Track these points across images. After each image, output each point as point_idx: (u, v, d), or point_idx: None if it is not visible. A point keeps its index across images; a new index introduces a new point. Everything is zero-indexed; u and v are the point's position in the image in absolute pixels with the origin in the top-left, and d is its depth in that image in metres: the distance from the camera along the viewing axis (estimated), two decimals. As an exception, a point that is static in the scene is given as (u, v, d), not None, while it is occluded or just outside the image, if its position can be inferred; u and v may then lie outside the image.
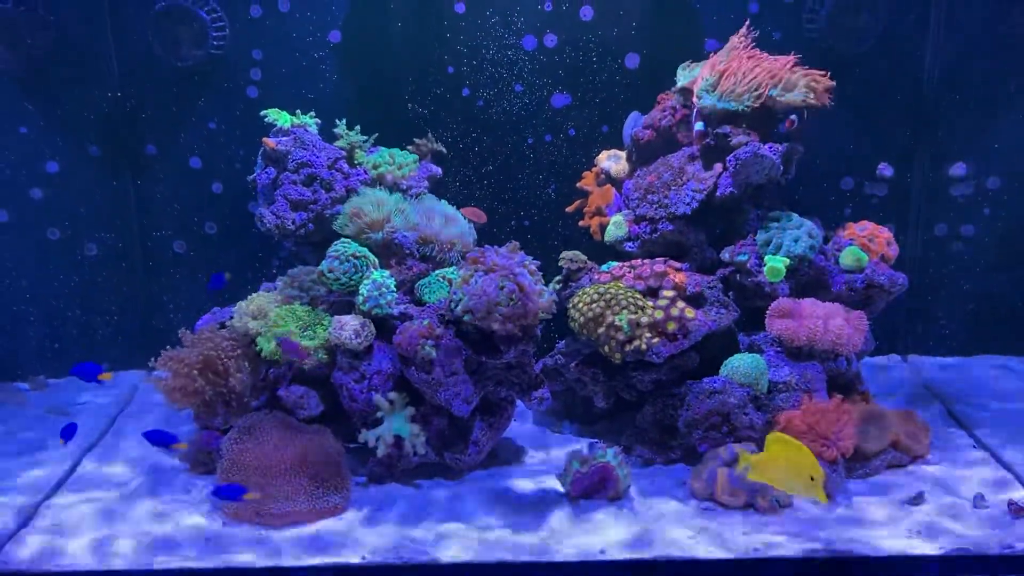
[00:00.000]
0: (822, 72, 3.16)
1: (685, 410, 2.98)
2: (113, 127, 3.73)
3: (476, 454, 3.03)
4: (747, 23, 3.27)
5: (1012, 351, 3.91)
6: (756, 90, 3.13)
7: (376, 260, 3.09)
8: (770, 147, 3.12)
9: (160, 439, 2.83)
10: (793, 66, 3.16)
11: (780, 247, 3.10)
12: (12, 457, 3.17)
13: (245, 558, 2.54)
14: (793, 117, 3.12)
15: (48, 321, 3.87)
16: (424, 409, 2.98)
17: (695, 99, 3.24)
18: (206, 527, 2.71)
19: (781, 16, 3.60)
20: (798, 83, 3.13)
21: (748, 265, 3.13)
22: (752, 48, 3.25)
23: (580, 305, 3.04)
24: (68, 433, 2.79)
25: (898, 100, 3.71)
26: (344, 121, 3.46)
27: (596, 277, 3.23)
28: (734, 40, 3.29)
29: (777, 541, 2.55)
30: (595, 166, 3.61)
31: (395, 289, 3.03)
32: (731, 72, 3.15)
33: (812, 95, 3.12)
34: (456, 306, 2.88)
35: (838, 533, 2.59)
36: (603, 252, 3.43)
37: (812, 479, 2.44)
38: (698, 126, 3.21)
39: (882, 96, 3.70)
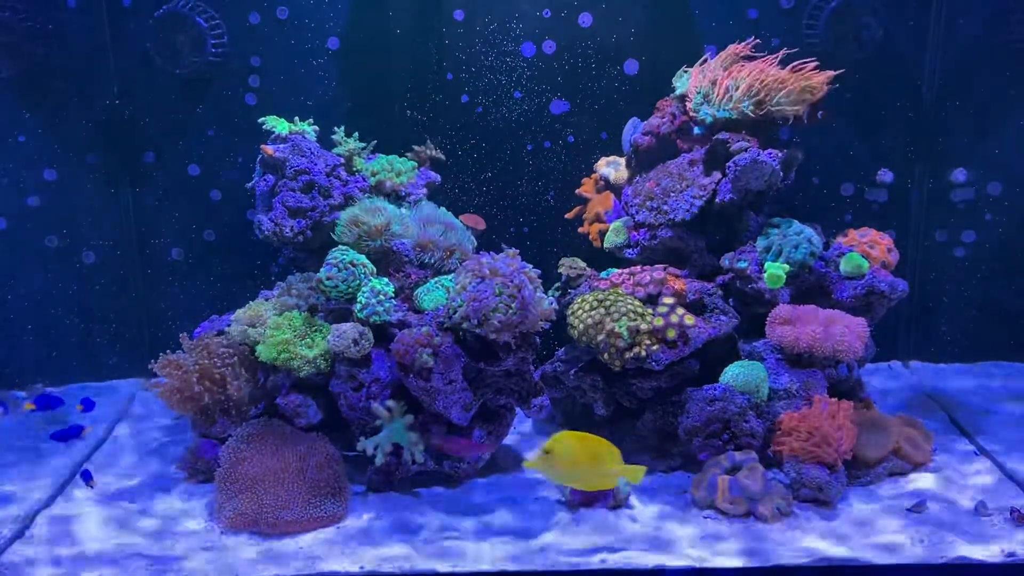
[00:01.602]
0: (814, 68, 3.15)
1: (685, 417, 2.96)
2: (111, 135, 3.73)
3: (475, 462, 3.01)
4: (753, 39, 3.26)
5: (1014, 357, 3.89)
6: (754, 97, 3.12)
7: (374, 268, 3.08)
8: (769, 153, 3.11)
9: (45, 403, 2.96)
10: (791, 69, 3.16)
11: (780, 253, 3.09)
12: (10, 466, 3.16)
13: (242, 568, 2.52)
14: (787, 117, 3.12)
15: (46, 329, 3.86)
16: (423, 417, 2.96)
17: (691, 112, 3.23)
18: (204, 536, 2.69)
19: (781, 22, 3.59)
20: (794, 89, 3.12)
21: (748, 272, 3.12)
22: (741, 59, 3.25)
23: (579, 312, 3.03)
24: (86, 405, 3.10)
25: (898, 106, 3.70)
26: (342, 128, 3.45)
27: (595, 284, 3.22)
28: (731, 49, 3.28)
29: (777, 549, 2.54)
30: (594, 172, 3.61)
31: (393, 296, 3.02)
32: (724, 83, 3.15)
33: (808, 96, 3.11)
34: (454, 313, 2.87)
35: (839, 541, 2.57)
36: (602, 259, 3.42)
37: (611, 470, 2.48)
38: (696, 129, 3.21)
39: (882, 102, 3.70)
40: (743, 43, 3.26)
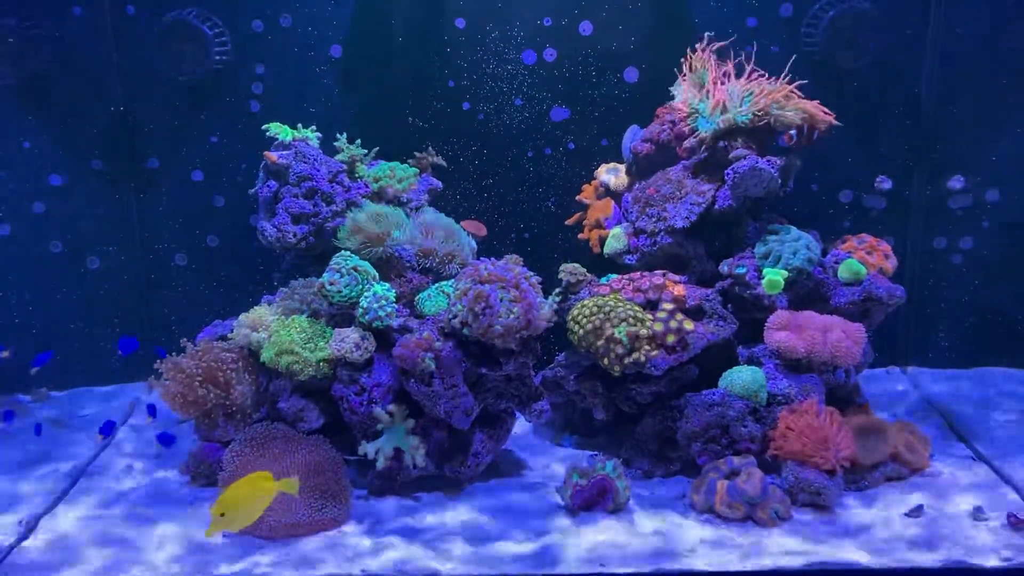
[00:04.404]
0: (817, 104, 3.18)
1: (684, 422, 2.99)
2: (116, 141, 3.75)
3: (476, 466, 3.03)
4: (711, 43, 3.31)
5: (1012, 363, 3.90)
6: (754, 106, 3.14)
7: (376, 273, 3.10)
8: (768, 161, 3.13)
9: None
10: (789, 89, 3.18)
11: (779, 260, 3.11)
12: (14, 469, 3.18)
13: (245, 571, 2.54)
14: (792, 132, 3.14)
15: (50, 334, 3.88)
16: (424, 421, 2.98)
17: (686, 128, 3.25)
18: (206, 540, 2.71)
19: (779, 30, 3.62)
20: (795, 108, 3.15)
21: (747, 278, 3.14)
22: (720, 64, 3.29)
23: (579, 318, 3.05)
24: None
25: (896, 113, 3.72)
26: (345, 135, 3.48)
27: (595, 290, 3.24)
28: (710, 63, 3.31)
29: (775, 553, 2.56)
30: (594, 179, 3.63)
31: (395, 302, 3.04)
32: (719, 97, 3.18)
33: (807, 115, 3.14)
34: (455, 318, 2.89)
35: (837, 545, 2.59)
36: (602, 265, 3.44)
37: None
38: (690, 141, 3.23)
39: (881, 109, 3.71)
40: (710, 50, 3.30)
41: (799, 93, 3.16)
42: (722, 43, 3.28)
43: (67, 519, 2.85)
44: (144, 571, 2.55)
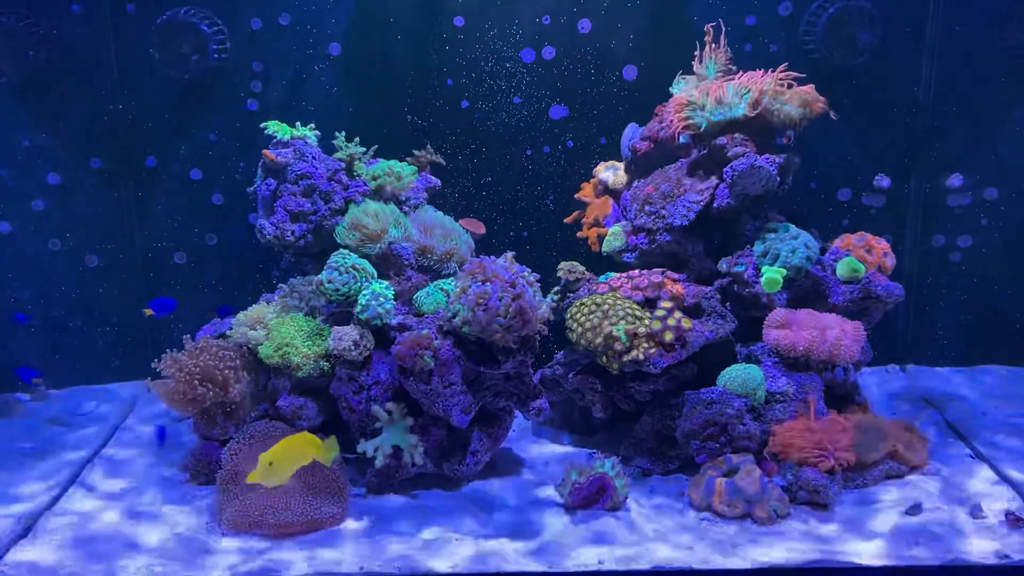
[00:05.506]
0: (811, 87, 3.18)
1: (683, 420, 2.99)
2: (114, 139, 3.75)
3: (474, 464, 3.03)
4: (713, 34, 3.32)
5: (1010, 361, 3.90)
6: (751, 99, 3.14)
7: (374, 271, 3.11)
8: (767, 159, 3.13)
9: None
10: (784, 79, 3.17)
11: (777, 258, 3.11)
12: (13, 467, 3.18)
13: (244, 569, 2.54)
14: (790, 132, 3.14)
15: (49, 332, 3.88)
16: (422, 419, 2.99)
17: (680, 124, 3.25)
18: (206, 538, 2.71)
19: (778, 29, 3.62)
20: (792, 100, 3.14)
21: (745, 276, 3.14)
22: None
23: (578, 316, 3.06)
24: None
25: (895, 111, 3.72)
26: (343, 133, 3.48)
27: (594, 288, 3.24)
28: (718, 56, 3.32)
29: (773, 551, 2.56)
30: (593, 177, 3.63)
31: (393, 299, 3.04)
32: (718, 92, 3.18)
33: (808, 110, 3.13)
34: (454, 317, 2.89)
35: (835, 543, 2.59)
36: (601, 263, 3.44)
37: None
38: (682, 138, 3.23)
39: (879, 107, 3.72)
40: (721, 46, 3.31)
41: (793, 73, 3.16)
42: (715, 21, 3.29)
43: (66, 517, 2.85)
44: (141, 561, 2.56)
